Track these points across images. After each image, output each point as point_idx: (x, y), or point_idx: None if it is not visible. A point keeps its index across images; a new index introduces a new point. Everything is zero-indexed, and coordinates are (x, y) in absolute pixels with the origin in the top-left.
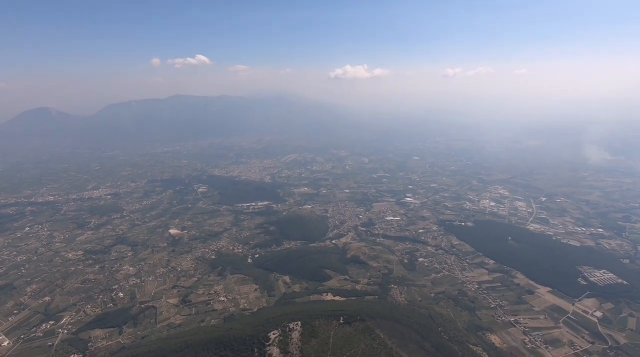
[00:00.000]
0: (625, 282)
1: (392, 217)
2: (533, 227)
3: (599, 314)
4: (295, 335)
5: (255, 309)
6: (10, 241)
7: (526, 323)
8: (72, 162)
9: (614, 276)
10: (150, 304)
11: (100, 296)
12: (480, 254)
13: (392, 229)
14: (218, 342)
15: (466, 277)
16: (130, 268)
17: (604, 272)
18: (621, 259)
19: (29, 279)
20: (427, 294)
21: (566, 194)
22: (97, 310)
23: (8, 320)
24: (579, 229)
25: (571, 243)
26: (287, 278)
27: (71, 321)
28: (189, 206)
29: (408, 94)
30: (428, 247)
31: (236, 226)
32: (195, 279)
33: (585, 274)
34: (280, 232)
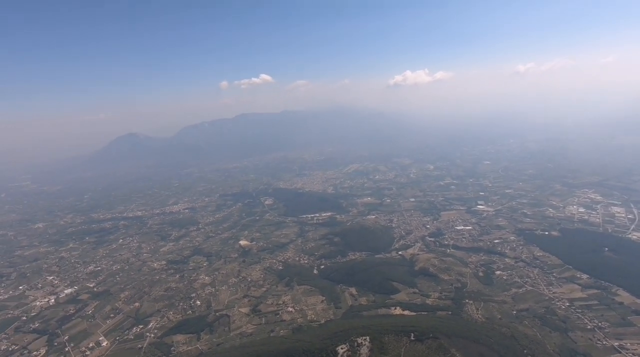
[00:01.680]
0: None
1: (463, 227)
2: (636, 235)
3: None
4: (364, 351)
5: (322, 321)
6: (107, 252)
7: (635, 349)
8: (155, 180)
9: None
10: (224, 312)
11: (181, 303)
12: (570, 267)
13: (463, 239)
14: (288, 354)
15: (554, 293)
16: (206, 277)
17: None
18: None
19: (122, 286)
20: (508, 311)
21: None
22: (178, 316)
23: (106, 323)
24: None
25: None
26: (353, 290)
27: (157, 326)
28: (257, 218)
29: (473, 96)
30: (506, 259)
31: (301, 237)
32: (264, 289)
33: None
34: (344, 243)
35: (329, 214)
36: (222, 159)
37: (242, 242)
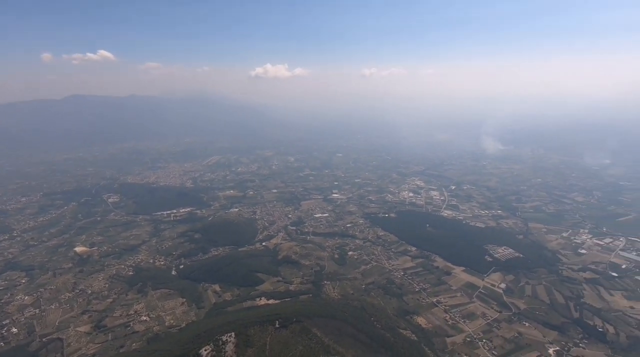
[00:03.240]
0: (521, 256)
1: (320, 214)
2: (446, 213)
3: (503, 285)
4: (230, 347)
5: (183, 325)
6: None
7: (446, 302)
8: None
9: (513, 251)
10: (54, 336)
11: None
12: (404, 242)
13: (321, 225)
14: None
15: (392, 265)
16: (26, 297)
17: (504, 249)
18: (517, 235)
19: None
20: (359, 286)
21: (471, 181)
22: None
23: None
24: (483, 212)
25: (477, 225)
26: (217, 287)
27: None
28: (98, 218)
29: (329, 93)
30: (356, 241)
31: (156, 237)
32: (110, 300)
33: (491, 251)
34: (206, 239)
35: (188, 209)
36: (48, 149)
37: (79, 249)
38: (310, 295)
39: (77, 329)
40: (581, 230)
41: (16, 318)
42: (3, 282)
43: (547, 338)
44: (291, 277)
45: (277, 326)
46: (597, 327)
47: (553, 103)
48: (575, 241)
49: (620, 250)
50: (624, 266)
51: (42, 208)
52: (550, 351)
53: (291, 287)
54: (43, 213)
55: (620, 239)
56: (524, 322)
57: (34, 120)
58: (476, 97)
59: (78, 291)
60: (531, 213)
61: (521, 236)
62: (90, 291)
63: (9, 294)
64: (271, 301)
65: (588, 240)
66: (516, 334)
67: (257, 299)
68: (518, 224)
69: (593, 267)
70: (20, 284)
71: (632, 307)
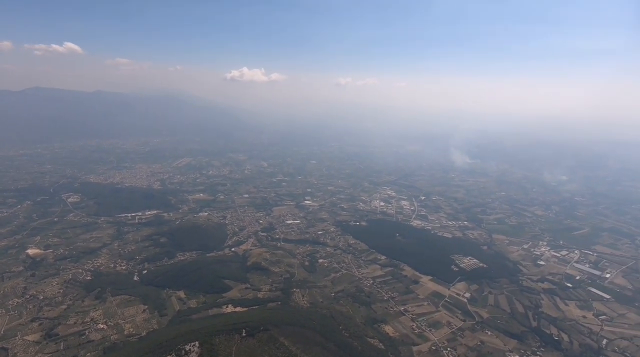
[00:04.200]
0: (485, 266)
1: (292, 221)
2: (416, 223)
3: (467, 295)
4: None
5: (144, 333)
6: None
7: (413, 310)
8: None
9: (477, 261)
10: None
11: None
12: (374, 251)
13: (292, 232)
14: None
15: (362, 273)
16: None
17: (470, 259)
18: (481, 246)
19: None
20: (328, 294)
21: (440, 192)
22: None
23: None
24: (450, 222)
25: (445, 235)
26: (181, 294)
27: None
28: (55, 219)
29: (304, 100)
30: (327, 248)
31: (118, 240)
32: (64, 306)
33: (457, 261)
34: (172, 244)
35: (154, 212)
36: (1, 143)
37: (31, 251)
38: (279, 303)
39: (25, 337)
40: (540, 242)
41: None
42: None
43: (508, 346)
44: (260, 285)
45: (243, 334)
46: (553, 335)
47: (514, 121)
48: (534, 252)
49: (575, 262)
50: (578, 277)
51: None
52: None
53: (259, 295)
54: None
55: (575, 251)
56: (486, 331)
57: None
58: (444, 112)
59: (28, 296)
60: (495, 225)
61: (485, 247)
62: (42, 297)
63: None
64: (238, 309)
65: (546, 252)
66: (479, 343)
67: (224, 307)
68: (483, 235)
69: (550, 278)
70: None
71: (584, 317)
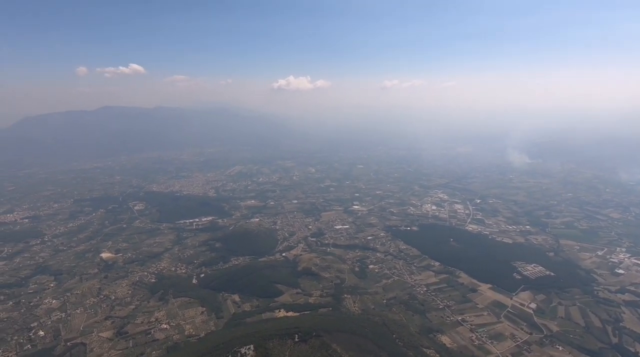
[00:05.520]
0: (552, 274)
1: (341, 226)
2: (471, 227)
3: (533, 305)
4: None
5: (202, 335)
6: None
7: (472, 321)
8: None
9: (543, 269)
10: (78, 340)
11: (15, 337)
12: (427, 257)
13: (341, 237)
14: None
15: (415, 280)
16: (54, 301)
17: (534, 266)
18: (547, 253)
19: None
20: (380, 301)
21: (497, 195)
22: (10, 355)
23: None
24: (510, 227)
25: (505, 240)
26: (236, 297)
27: None
28: (124, 225)
29: (350, 105)
30: (377, 254)
31: (178, 245)
32: (132, 307)
33: (519, 268)
34: (227, 249)
35: (210, 218)
36: (79, 157)
37: (105, 255)
38: (330, 308)
39: (100, 334)
40: (618, 248)
41: (43, 321)
42: (33, 286)
43: None
44: (311, 290)
45: (296, 339)
46: (639, 354)
47: (580, 116)
48: (611, 260)
49: None
50: None
51: (72, 214)
52: None
53: (310, 300)
54: (73, 219)
55: None
56: (557, 346)
57: (67, 131)
58: (497, 110)
59: (102, 296)
60: (562, 229)
61: (552, 253)
62: (113, 297)
63: (38, 297)
64: (290, 313)
65: (626, 259)
66: None
67: (276, 311)
68: (548, 240)
69: (632, 288)
70: (48, 288)
71: None
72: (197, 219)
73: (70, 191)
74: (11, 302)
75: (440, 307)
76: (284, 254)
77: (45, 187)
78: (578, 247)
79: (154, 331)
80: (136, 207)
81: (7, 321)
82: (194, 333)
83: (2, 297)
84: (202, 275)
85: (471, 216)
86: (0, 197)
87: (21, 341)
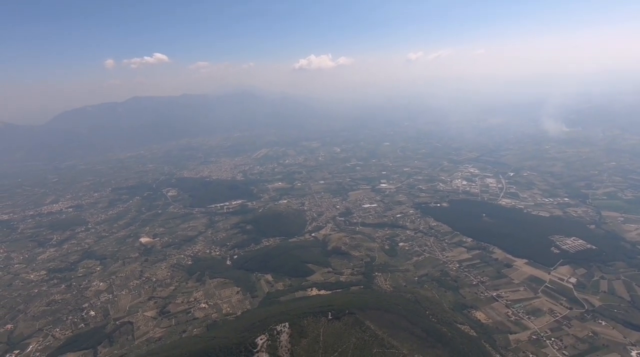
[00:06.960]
0: (594, 247)
1: (369, 205)
2: (504, 202)
3: (573, 280)
4: (284, 337)
5: (239, 313)
6: None
7: (508, 296)
8: (25, 176)
9: (584, 242)
10: (125, 319)
11: (70, 317)
12: (458, 233)
13: (370, 216)
14: (203, 354)
15: (447, 257)
16: (101, 284)
17: (574, 240)
18: (588, 225)
19: None
20: (411, 278)
21: (532, 167)
22: (67, 332)
23: None
24: (546, 200)
25: (541, 214)
26: (269, 277)
27: (39, 348)
28: (159, 211)
29: (373, 81)
30: (407, 231)
31: (211, 228)
32: (172, 287)
33: (557, 242)
34: (257, 230)
35: (239, 201)
36: (113, 148)
37: (143, 240)
38: (362, 286)
39: (145, 314)
40: None
41: (93, 302)
42: (82, 270)
43: (629, 339)
44: (341, 268)
45: (329, 317)
46: None
47: (623, 78)
48: None
49: None
50: None
51: (111, 202)
52: (633, 353)
53: (342, 278)
54: (112, 207)
55: None
56: (600, 321)
57: (101, 122)
58: (531, 77)
59: (144, 278)
60: (604, 200)
61: (593, 226)
62: (154, 279)
63: (86, 280)
64: (322, 292)
65: None
66: (590, 334)
67: (309, 290)
68: (589, 212)
69: None
70: (95, 272)
71: None
72: (227, 203)
73: (108, 180)
74: (63, 285)
75: (474, 283)
76: (313, 234)
77: (85, 178)
78: (622, 219)
79: (193, 310)
80: (169, 194)
81: (62, 302)
82: (231, 311)
83: (55, 281)
84: (236, 256)
85: (504, 190)
86: (45, 188)
87: (75, 320)
